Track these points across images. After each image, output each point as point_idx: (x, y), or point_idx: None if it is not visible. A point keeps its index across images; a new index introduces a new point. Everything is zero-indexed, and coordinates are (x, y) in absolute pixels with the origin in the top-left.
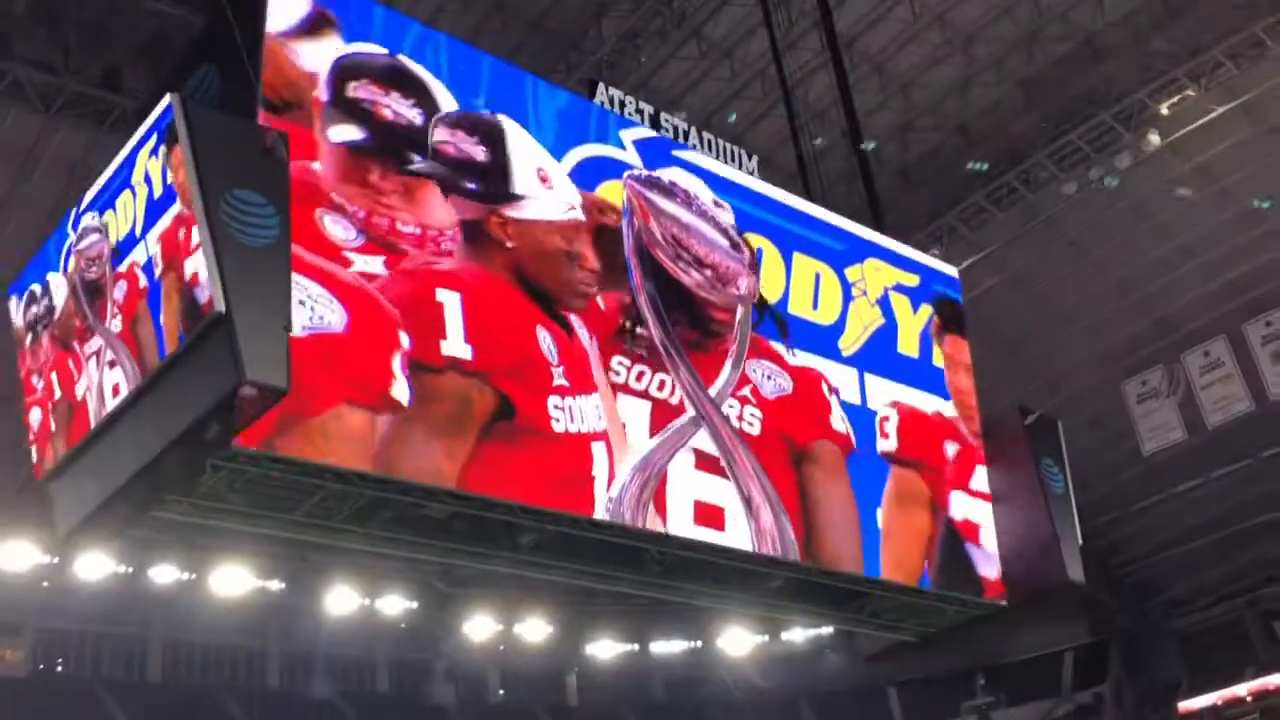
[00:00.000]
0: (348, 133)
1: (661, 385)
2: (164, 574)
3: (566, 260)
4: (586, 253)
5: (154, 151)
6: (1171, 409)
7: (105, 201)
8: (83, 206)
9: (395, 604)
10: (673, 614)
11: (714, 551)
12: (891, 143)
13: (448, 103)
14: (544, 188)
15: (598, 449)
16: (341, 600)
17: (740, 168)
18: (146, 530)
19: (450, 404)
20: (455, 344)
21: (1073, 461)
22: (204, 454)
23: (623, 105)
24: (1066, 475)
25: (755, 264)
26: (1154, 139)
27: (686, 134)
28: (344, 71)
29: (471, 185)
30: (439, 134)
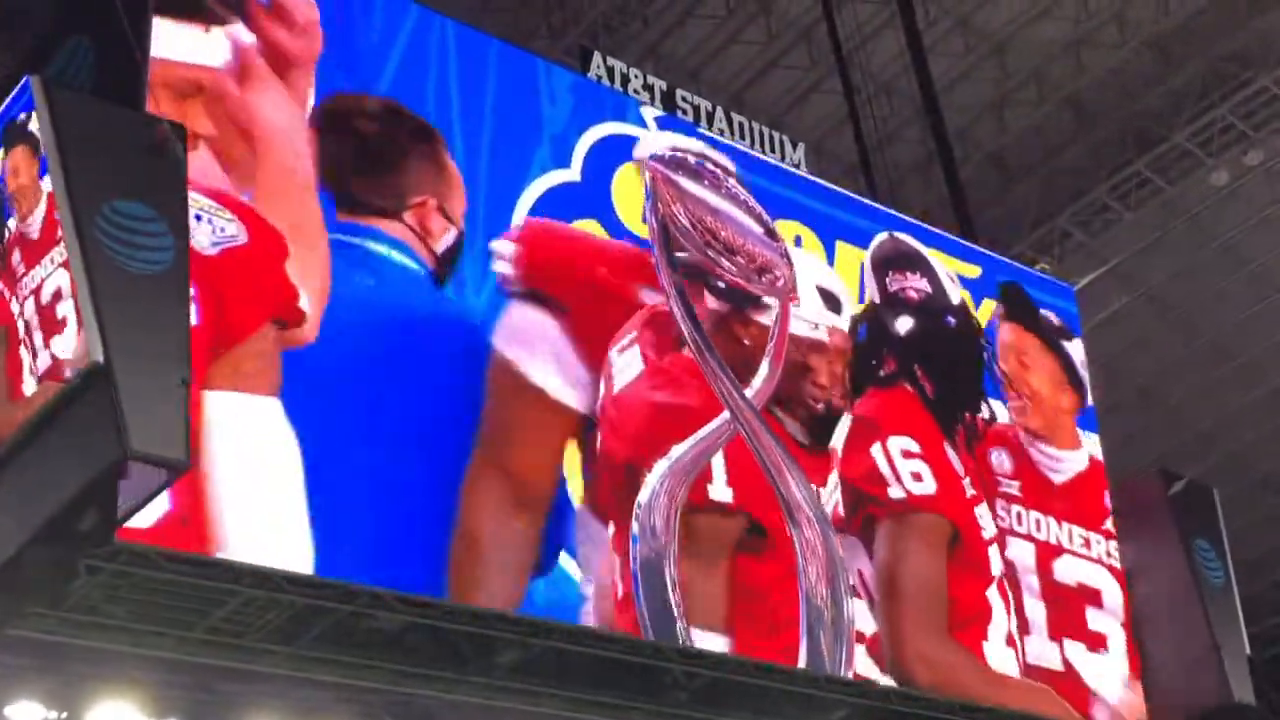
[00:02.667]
0: None
1: None
2: (25, 713)
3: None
4: (819, 366)
5: None
6: None
7: None
8: None
9: None
10: None
11: (760, 672)
12: (983, 122)
13: None
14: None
15: None
16: None
17: (784, 159)
18: (1, 654)
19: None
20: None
21: (1235, 542)
22: (77, 551)
23: (626, 80)
24: (1227, 562)
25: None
26: None
27: (711, 116)
28: None
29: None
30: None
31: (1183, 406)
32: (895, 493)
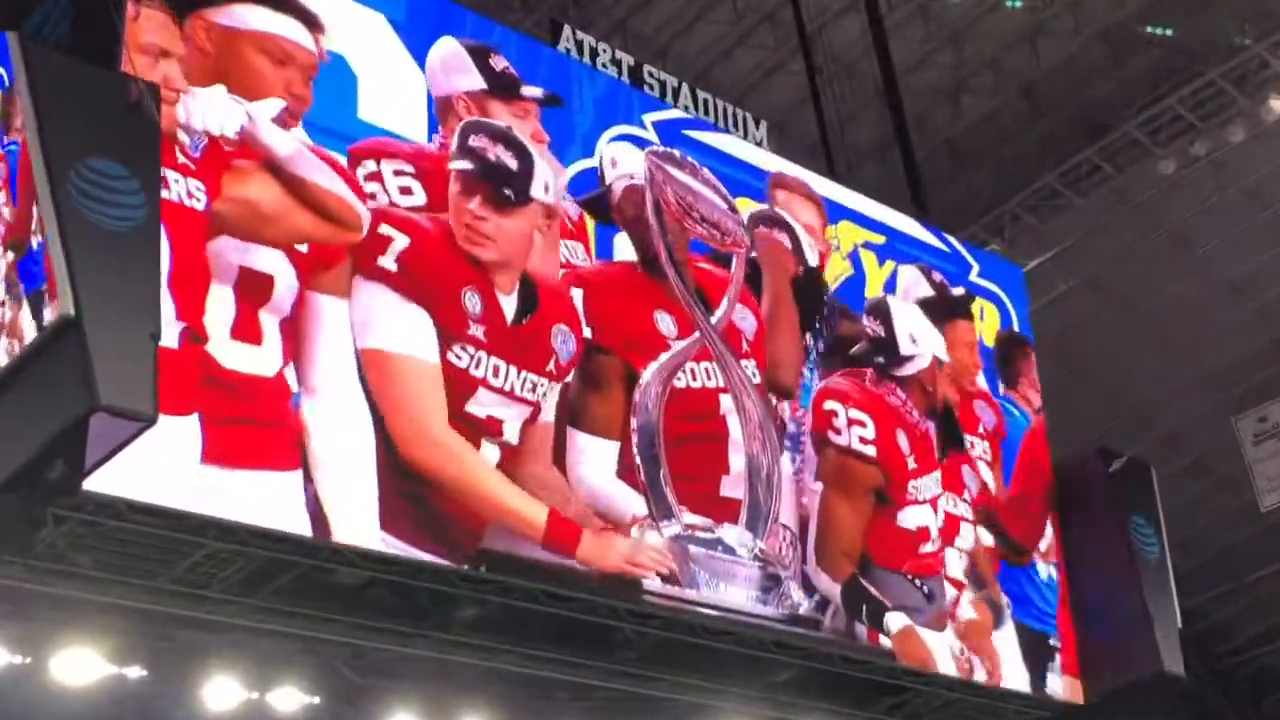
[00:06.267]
0: None
1: None
2: None
3: None
4: None
5: None
6: None
7: None
8: None
9: (291, 698)
10: (649, 711)
11: (708, 635)
12: (939, 108)
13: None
14: None
15: None
16: (221, 693)
17: (745, 135)
18: None
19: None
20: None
21: (1170, 519)
22: (45, 500)
23: (594, 54)
24: (1162, 537)
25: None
26: (1277, 105)
27: (676, 91)
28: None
29: None
30: None
31: (1124, 388)
32: None
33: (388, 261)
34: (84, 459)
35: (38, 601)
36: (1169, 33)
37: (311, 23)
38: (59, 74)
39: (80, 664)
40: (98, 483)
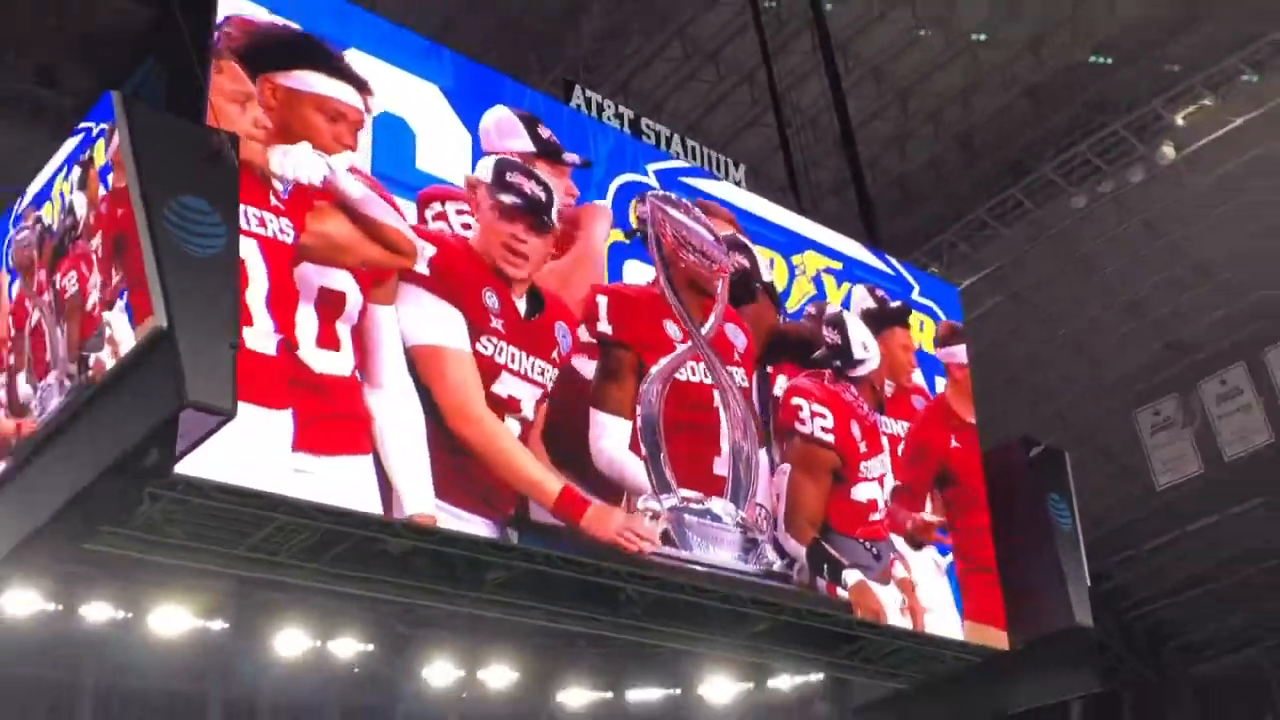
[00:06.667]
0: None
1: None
2: (97, 612)
3: None
4: None
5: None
6: (1187, 441)
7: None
8: (24, 204)
9: (349, 646)
10: (650, 658)
11: (696, 593)
12: (888, 153)
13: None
14: None
15: None
16: (290, 642)
17: (726, 177)
18: (78, 564)
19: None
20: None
21: (1082, 497)
22: (142, 482)
23: (601, 109)
24: (1074, 512)
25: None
26: (1169, 151)
27: (669, 140)
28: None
29: None
30: None
31: (1042, 387)
32: None
33: (421, 267)
34: (175, 447)
35: (138, 567)
36: (1109, 60)
37: (361, 87)
38: (154, 125)
39: (172, 618)
40: (199, 466)
